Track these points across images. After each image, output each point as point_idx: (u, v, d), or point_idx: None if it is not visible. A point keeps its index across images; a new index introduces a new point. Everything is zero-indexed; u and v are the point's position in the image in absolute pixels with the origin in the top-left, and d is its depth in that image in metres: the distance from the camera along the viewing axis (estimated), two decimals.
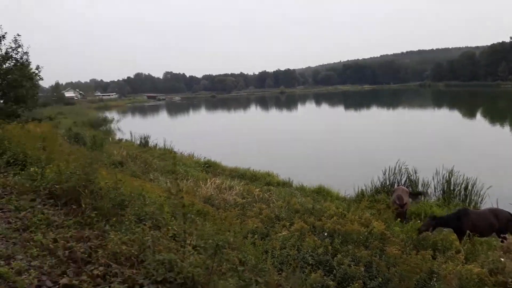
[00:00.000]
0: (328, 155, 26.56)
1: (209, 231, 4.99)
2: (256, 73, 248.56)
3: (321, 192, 16.29)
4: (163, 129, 42.87)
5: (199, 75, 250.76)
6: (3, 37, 17.79)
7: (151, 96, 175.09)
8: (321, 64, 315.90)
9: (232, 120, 70.02)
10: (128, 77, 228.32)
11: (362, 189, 16.48)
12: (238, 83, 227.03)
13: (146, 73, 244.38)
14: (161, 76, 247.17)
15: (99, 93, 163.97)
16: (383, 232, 9.18)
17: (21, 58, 18.26)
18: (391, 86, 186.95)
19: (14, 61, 18.18)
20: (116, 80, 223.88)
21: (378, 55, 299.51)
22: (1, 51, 17.94)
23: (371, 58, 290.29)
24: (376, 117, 59.01)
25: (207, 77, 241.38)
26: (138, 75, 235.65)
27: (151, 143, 30.20)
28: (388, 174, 17.14)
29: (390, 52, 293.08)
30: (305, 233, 8.89)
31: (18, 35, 18.14)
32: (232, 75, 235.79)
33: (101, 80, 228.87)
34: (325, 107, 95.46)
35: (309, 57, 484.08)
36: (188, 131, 47.22)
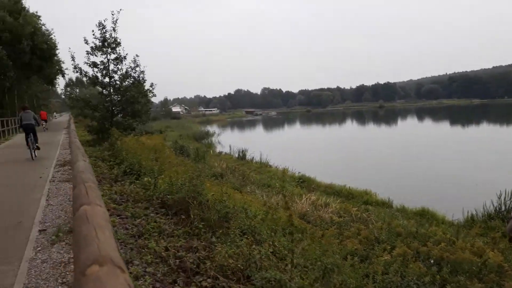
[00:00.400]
0: (432, 175, 24.65)
1: (312, 249, 4.90)
2: (353, 86, 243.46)
3: (425, 215, 15.12)
4: (259, 143, 43.80)
5: (295, 90, 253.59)
6: (125, 57, 19.85)
7: (249, 111, 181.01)
8: (425, 76, 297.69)
9: (326, 134, 68.99)
10: (229, 93, 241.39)
11: (472, 214, 14.95)
12: (334, 97, 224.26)
13: (245, 89, 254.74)
14: (259, 92, 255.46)
15: (202, 108, 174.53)
16: (500, 264, 8.17)
17: (138, 76, 20.17)
18: (506, 100, 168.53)
19: (132, 79, 20.14)
20: (218, 96, 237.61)
21: (490, 67, 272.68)
22: (122, 71, 20.03)
23: (482, 69, 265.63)
24: (488, 134, 53.50)
25: (303, 92, 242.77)
26: (238, 91, 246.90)
27: (248, 156, 30.98)
28: (504, 199, 15.30)
29: (504, 63, 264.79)
30: (408, 258, 8.28)
31: (137, 55, 20.17)
32: (329, 89, 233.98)
33: (204, 96, 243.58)
34: (428, 122, 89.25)
35: (411, 70, 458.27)
36: (283, 145, 47.64)
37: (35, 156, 13.15)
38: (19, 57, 28.73)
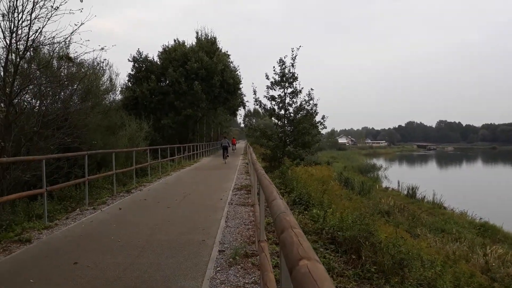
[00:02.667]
0: None
1: None
2: None
3: None
4: (431, 181, 40.04)
5: (477, 124, 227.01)
6: (300, 91, 20.92)
7: (421, 145, 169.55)
8: None
9: None
10: (399, 126, 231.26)
11: None
12: None
13: (418, 122, 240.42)
14: (433, 125, 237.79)
15: (369, 140, 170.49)
16: None
17: (311, 109, 20.94)
18: None
19: (305, 112, 21.00)
20: (386, 128, 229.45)
21: None
22: (297, 104, 21.12)
23: None
24: None
25: (487, 126, 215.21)
26: (409, 124, 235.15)
27: (419, 195, 28.59)
28: None
29: None
30: None
31: (312, 89, 21.08)
32: None
33: (372, 128, 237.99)
34: None
35: None
36: (460, 185, 42.46)
37: (226, 162, 23.71)
38: (211, 90, 33.16)
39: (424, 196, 27.70)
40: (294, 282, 0.85)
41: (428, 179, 44.17)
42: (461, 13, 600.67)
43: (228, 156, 25.52)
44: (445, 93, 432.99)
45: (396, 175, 43.94)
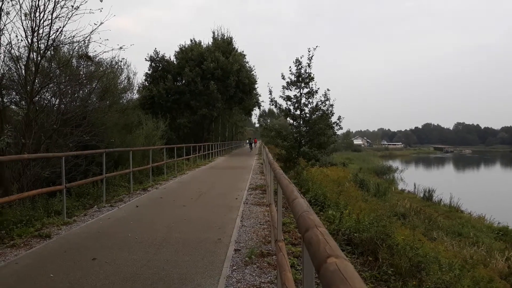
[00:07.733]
0: None
1: None
2: None
3: None
4: (448, 184, 39.38)
5: (496, 126, 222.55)
6: (316, 92, 20.80)
7: (438, 147, 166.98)
8: None
9: None
10: (416, 127, 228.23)
11: None
12: None
13: (435, 124, 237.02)
14: (451, 127, 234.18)
15: (385, 142, 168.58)
16: None
17: (327, 109, 20.80)
18: None
19: (321, 112, 20.87)
20: (403, 130, 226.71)
21: None
22: (313, 104, 21.01)
23: None
24: None
25: (506, 129, 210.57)
26: (426, 126, 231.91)
27: (435, 198, 28.15)
28: None
29: None
30: None
31: (328, 90, 20.92)
32: None
33: (388, 130, 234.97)
34: None
35: None
36: (478, 189, 41.70)
37: (251, 151, 39.18)
38: (227, 90, 33.27)
39: (441, 199, 27.26)
40: (323, 280, 0.85)
41: (445, 182, 43.44)
42: (480, 15, 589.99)
43: (252, 148, 47.04)
44: (463, 95, 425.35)
45: (412, 178, 43.38)
